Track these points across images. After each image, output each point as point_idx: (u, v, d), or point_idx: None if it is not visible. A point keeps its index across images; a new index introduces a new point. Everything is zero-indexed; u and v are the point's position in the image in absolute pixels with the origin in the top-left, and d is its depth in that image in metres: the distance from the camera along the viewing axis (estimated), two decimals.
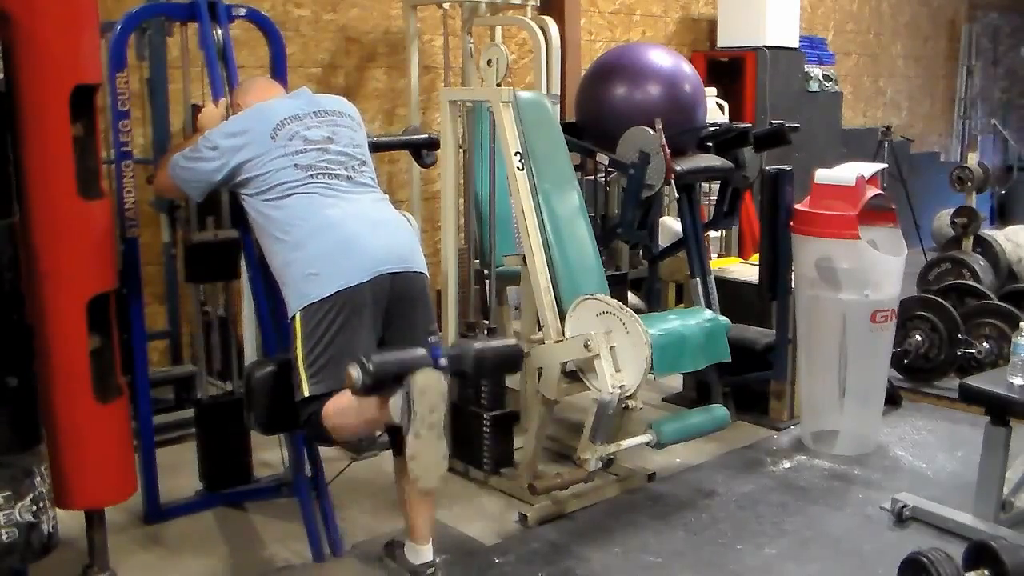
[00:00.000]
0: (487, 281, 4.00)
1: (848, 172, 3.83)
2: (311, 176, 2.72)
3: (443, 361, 2.56)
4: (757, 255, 4.29)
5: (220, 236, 3.30)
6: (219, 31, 3.11)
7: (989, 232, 6.31)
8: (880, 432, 4.11)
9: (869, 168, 3.91)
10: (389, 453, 3.82)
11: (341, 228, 2.67)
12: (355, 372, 2.46)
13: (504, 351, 2.73)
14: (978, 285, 5.21)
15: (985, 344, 4.55)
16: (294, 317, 2.67)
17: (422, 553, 2.81)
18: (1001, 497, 3.17)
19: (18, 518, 2.30)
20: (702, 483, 3.70)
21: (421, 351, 2.56)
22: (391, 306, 2.72)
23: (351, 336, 2.63)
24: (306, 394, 2.64)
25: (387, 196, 2.95)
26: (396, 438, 2.87)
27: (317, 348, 2.62)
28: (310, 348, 2.63)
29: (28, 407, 2.36)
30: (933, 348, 4.61)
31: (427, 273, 2.84)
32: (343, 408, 2.60)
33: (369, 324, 2.68)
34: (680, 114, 3.94)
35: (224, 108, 3.00)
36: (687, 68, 4.12)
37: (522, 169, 3.43)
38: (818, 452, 3.97)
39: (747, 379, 4.21)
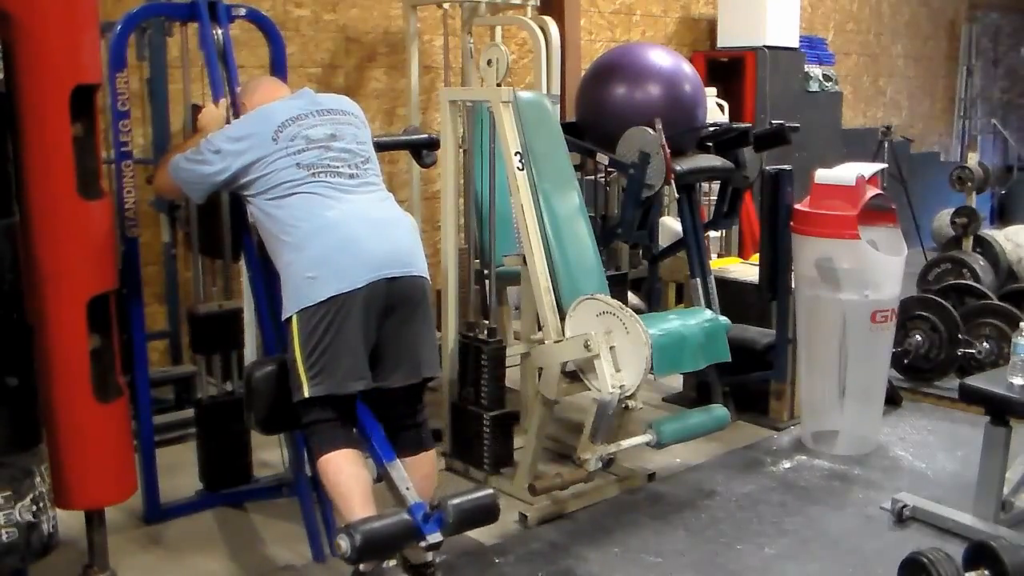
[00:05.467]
0: (487, 281, 4.00)
1: (848, 172, 3.83)
2: (313, 175, 2.71)
3: (435, 536, 2.58)
4: (757, 255, 4.29)
5: (225, 307, 3.39)
6: (219, 31, 3.11)
7: (989, 232, 6.31)
8: (880, 432, 4.11)
9: (869, 168, 3.92)
10: None
11: (341, 230, 2.66)
12: (344, 543, 2.48)
13: (482, 502, 2.72)
14: (978, 285, 5.21)
15: (985, 344, 4.55)
16: (290, 319, 2.67)
17: (421, 552, 2.80)
18: (1001, 497, 3.18)
19: (18, 518, 2.30)
20: (702, 483, 3.70)
21: (409, 521, 2.58)
22: (389, 311, 2.71)
23: (347, 340, 2.63)
24: (306, 395, 2.65)
25: (392, 195, 2.93)
26: (400, 437, 2.87)
27: (317, 351, 2.62)
28: (309, 351, 2.63)
29: (28, 407, 2.36)
30: (933, 348, 4.61)
31: (428, 276, 2.82)
32: (333, 482, 2.67)
33: (365, 329, 2.67)
34: (680, 114, 3.94)
35: (224, 108, 2.99)
36: (687, 68, 4.11)
37: (522, 169, 3.43)
38: (818, 452, 3.97)
39: (747, 379, 4.21)
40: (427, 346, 2.84)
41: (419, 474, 2.83)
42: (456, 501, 2.65)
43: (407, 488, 2.70)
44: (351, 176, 2.77)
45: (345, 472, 2.66)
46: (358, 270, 2.63)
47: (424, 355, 2.82)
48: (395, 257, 2.71)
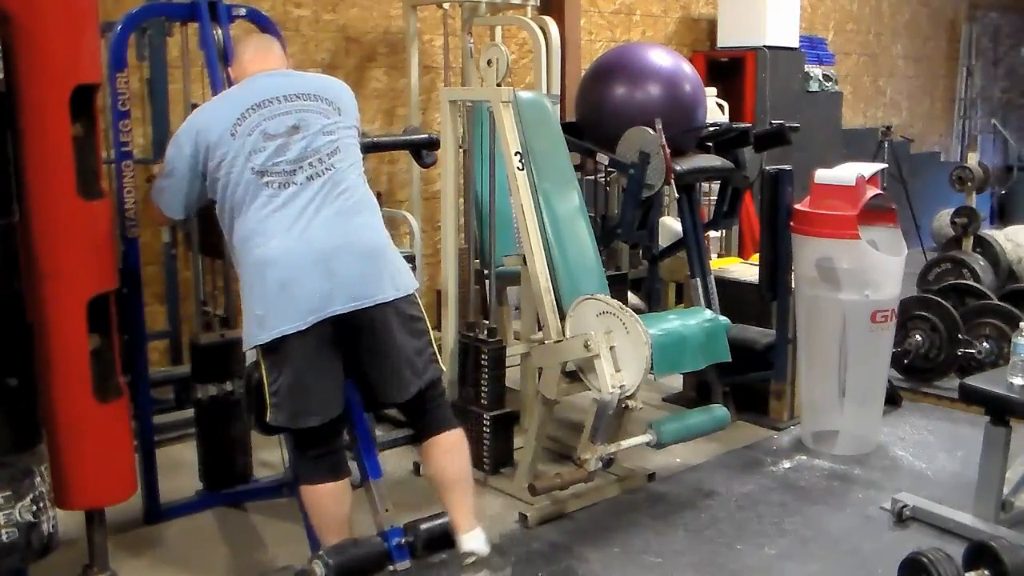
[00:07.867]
0: (487, 281, 4.00)
1: (848, 172, 3.83)
2: (264, 184, 2.57)
3: (404, 563, 2.62)
4: (757, 255, 4.29)
5: (227, 337, 3.38)
6: (219, 31, 3.12)
7: (989, 232, 6.31)
8: (880, 432, 4.11)
9: (869, 168, 3.91)
10: (387, 452, 3.84)
11: (279, 267, 2.54)
12: (318, 570, 2.52)
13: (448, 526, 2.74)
14: (978, 285, 5.21)
15: (985, 344, 4.55)
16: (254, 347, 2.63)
17: (466, 541, 2.71)
18: (1001, 497, 3.18)
19: (18, 518, 2.30)
20: (702, 483, 3.70)
21: (381, 547, 2.62)
22: (348, 340, 2.62)
23: (298, 380, 2.58)
24: (267, 420, 2.64)
25: (361, 182, 2.72)
26: (418, 426, 2.84)
27: (274, 385, 2.60)
28: (271, 381, 2.60)
29: (28, 407, 2.37)
30: (933, 348, 4.61)
31: (390, 295, 2.64)
32: (308, 511, 2.71)
33: (322, 363, 2.60)
34: (680, 114, 3.94)
35: None
36: (687, 68, 4.11)
37: (522, 169, 3.43)
38: (818, 452, 3.97)
39: (747, 379, 4.21)
40: (411, 361, 2.70)
41: (439, 449, 2.79)
42: (426, 526, 2.68)
43: (386, 510, 2.73)
44: (309, 179, 2.60)
45: (320, 509, 2.69)
46: (298, 313, 2.54)
47: (409, 371, 2.70)
48: (339, 292, 2.56)
